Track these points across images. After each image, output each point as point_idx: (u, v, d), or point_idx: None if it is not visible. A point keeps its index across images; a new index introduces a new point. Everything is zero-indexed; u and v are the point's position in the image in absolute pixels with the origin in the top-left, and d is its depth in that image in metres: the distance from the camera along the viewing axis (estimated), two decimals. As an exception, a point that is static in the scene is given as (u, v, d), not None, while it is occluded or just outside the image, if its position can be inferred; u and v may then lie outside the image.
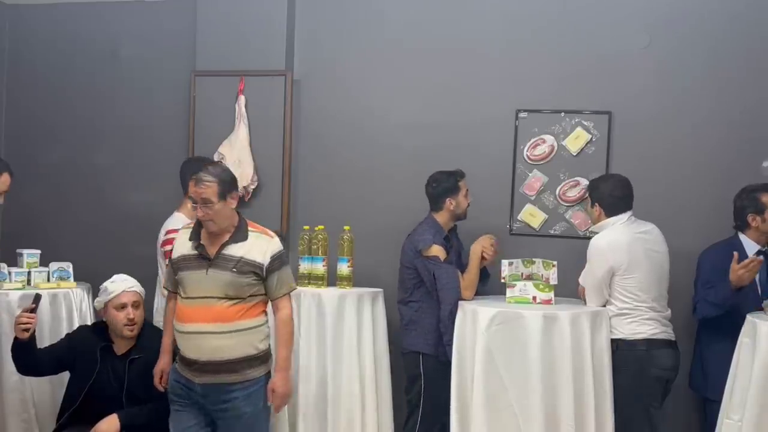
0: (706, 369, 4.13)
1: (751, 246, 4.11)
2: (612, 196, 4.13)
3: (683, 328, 4.32)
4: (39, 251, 4.58)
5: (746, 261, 3.88)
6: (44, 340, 4.13)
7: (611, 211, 4.12)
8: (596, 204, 4.18)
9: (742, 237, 4.15)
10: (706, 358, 4.14)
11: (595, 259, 4.07)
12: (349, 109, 5.01)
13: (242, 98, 4.94)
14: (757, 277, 4.04)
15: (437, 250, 4.24)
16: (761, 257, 3.94)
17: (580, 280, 4.18)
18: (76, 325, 4.38)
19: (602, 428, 3.95)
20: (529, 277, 4.26)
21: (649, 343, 4.01)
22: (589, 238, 4.31)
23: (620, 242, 4.03)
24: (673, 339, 4.10)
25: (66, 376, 3.99)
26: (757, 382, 3.53)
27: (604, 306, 4.09)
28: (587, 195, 4.34)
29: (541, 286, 4.15)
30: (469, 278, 4.25)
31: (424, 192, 4.44)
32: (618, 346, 4.03)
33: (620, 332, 4.03)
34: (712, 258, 4.15)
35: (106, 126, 5.38)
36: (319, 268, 4.57)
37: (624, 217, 4.11)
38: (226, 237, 3.60)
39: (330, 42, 5.05)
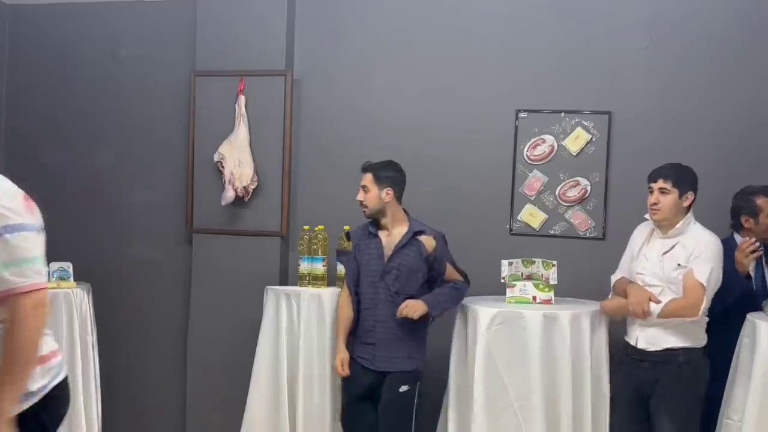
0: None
1: None
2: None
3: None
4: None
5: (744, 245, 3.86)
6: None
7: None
8: (690, 191, 3.81)
9: (737, 237, 4.16)
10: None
11: (718, 259, 3.71)
12: (348, 108, 5.00)
13: (242, 98, 4.94)
14: (752, 270, 4.06)
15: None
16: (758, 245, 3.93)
17: (703, 281, 3.64)
18: (76, 326, 4.36)
19: (598, 429, 3.96)
20: (529, 277, 4.26)
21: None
22: (589, 238, 4.29)
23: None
24: None
25: None
26: (757, 382, 3.54)
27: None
28: (672, 184, 3.75)
29: (541, 286, 4.15)
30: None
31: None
32: (691, 356, 3.77)
33: (693, 340, 3.78)
34: None
35: (106, 126, 5.37)
36: (319, 268, 4.58)
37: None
38: None
39: (330, 42, 5.04)
